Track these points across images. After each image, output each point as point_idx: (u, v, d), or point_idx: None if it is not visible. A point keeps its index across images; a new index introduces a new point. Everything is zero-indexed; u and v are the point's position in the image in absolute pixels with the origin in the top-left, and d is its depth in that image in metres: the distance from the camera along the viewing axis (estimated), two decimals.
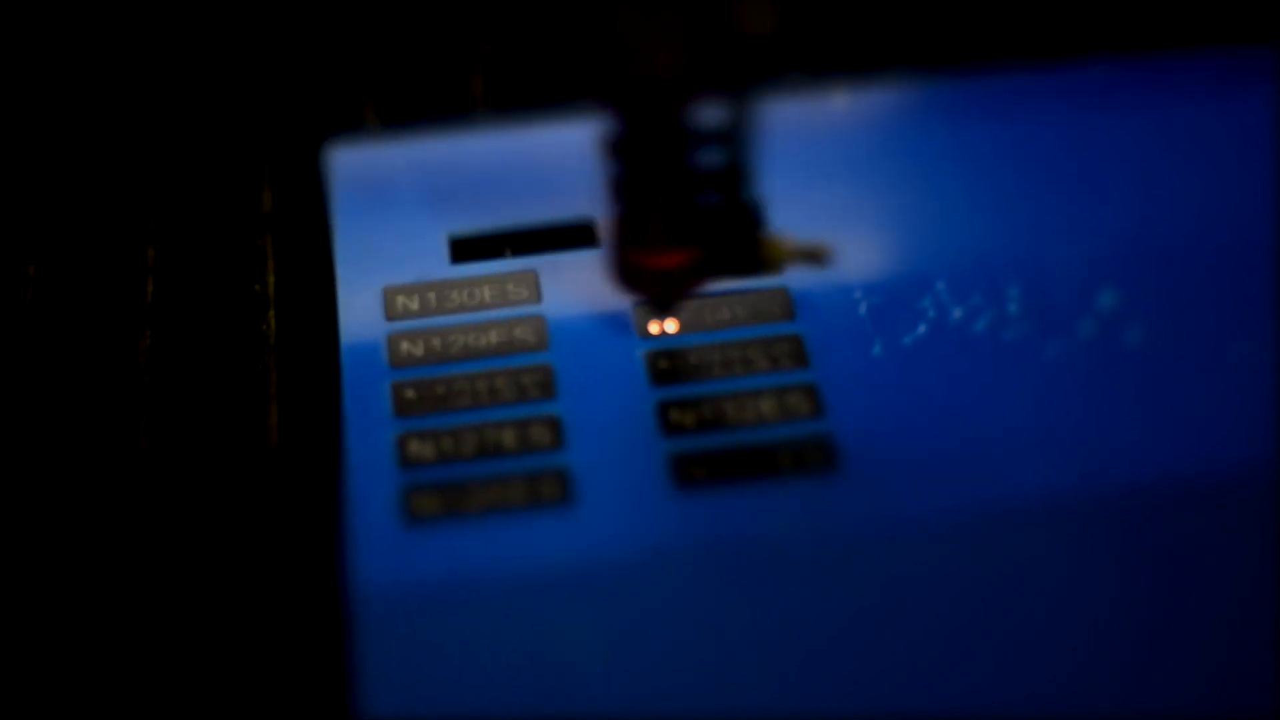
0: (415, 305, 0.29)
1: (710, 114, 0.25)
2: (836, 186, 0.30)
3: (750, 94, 0.25)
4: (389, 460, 0.27)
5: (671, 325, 0.28)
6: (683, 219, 0.26)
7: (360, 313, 0.29)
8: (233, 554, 0.26)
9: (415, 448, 0.27)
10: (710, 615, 0.25)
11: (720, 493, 0.26)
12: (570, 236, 0.30)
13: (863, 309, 0.29)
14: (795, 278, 0.29)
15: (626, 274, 0.27)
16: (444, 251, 0.30)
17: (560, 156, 0.31)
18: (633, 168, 0.25)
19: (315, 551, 0.26)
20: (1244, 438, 0.27)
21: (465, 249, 0.30)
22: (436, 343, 0.28)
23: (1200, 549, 0.25)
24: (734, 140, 0.25)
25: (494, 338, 0.28)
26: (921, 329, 0.28)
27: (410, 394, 0.28)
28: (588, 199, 0.29)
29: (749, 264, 0.27)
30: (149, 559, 0.26)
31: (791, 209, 0.30)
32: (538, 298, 0.29)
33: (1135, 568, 0.25)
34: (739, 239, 0.27)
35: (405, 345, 0.28)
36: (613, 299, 0.29)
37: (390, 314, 0.29)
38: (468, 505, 0.26)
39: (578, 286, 0.29)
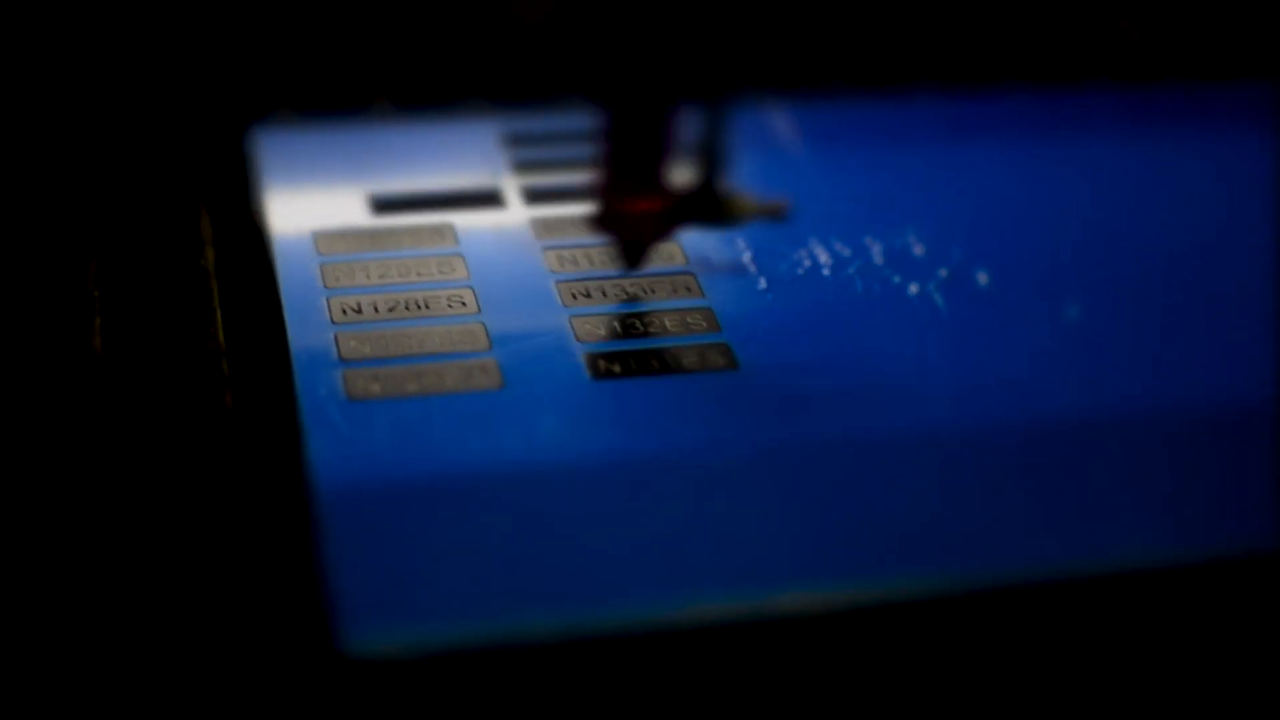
0: (344, 246, 0.32)
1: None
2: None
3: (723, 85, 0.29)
4: (331, 356, 0.29)
5: None
6: (658, 171, 0.29)
7: (294, 254, 0.32)
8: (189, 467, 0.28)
9: (354, 345, 0.29)
10: (628, 493, 0.28)
11: (634, 385, 0.29)
12: (480, 200, 0.33)
13: (746, 257, 0.32)
14: (686, 239, 0.33)
15: (604, 217, 0.30)
16: (366, 209, 0.33)
17: (461, 144, 0.35)
18: (618, 119, 0.29)
19: (272, 456, 0.28)
20: (1074, 380, 0.30)
21: (385, 205, 0.33)
22: (368, 273, 0.31)
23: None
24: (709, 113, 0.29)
25: (419, 270, 0.31)
26: (798, 271, 0.32)
27: (347, 309, 0.30)
28: (489, 177, 0.33)
29: (715, 215, 0.30)
30: (110, 487, 0.27)
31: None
32: (456, 242, 0.32)
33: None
34: (707, 193, 0.30)
35: (338, 274, 0.31)
36: (525, 245, 0.32)
37: (322, 250, 0.32)
38: (407, 389, 0.29)
39: (492, 234, 0.32)
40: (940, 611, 0.26)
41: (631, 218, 0.30)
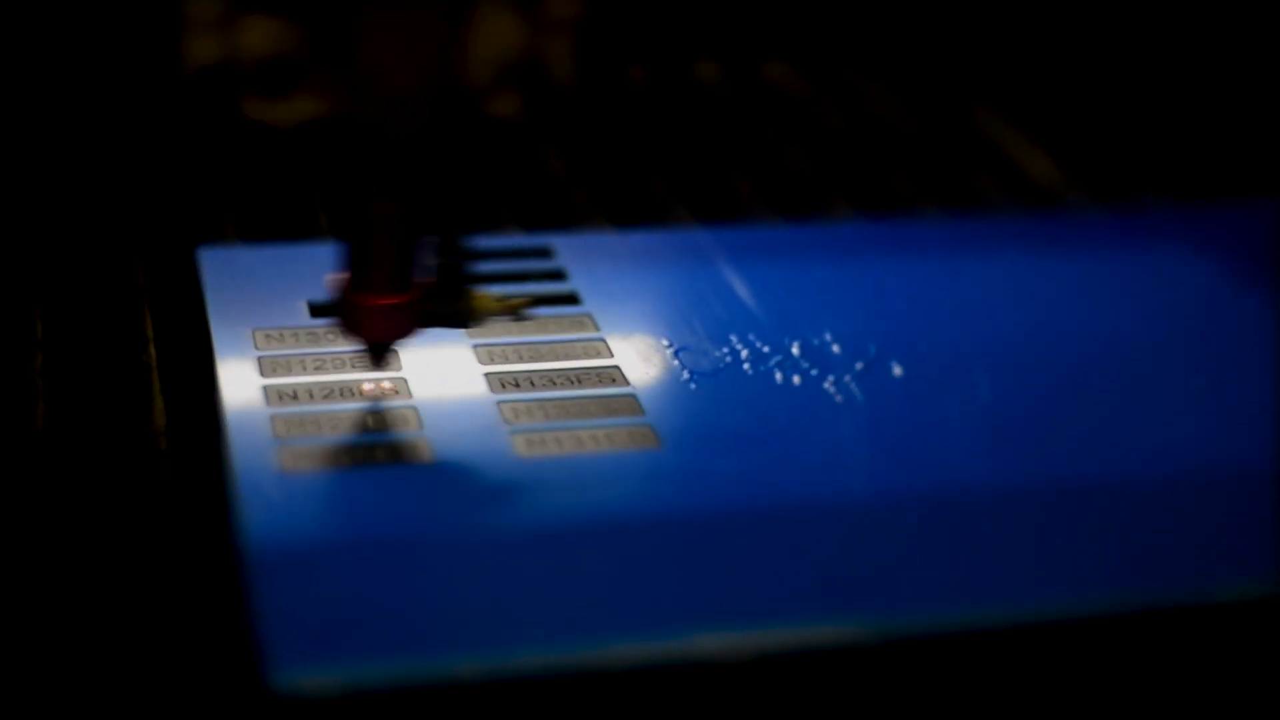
0: (282, 342, 0.33)
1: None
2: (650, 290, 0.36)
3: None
4: (266, 435, 0.30)
5: (387, 385, 0.32)
6: (403, 268, 0.29)
7: (234, 348, 0.33)
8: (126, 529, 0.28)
9: (288, 426, 0.30)
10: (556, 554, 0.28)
11: (561, 462, 0.30)
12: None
13: (671, 353, 0.34)
14: (614, 339, 0.34)
15: (345, 314, 0.30)
16: (304, 314, 0.34)
17: None
18: (362, 212, 0.29)
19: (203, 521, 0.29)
20: (980, 452, 0.32)
21: (323, 310, 0.34)
22: (304, 365, 0.32)
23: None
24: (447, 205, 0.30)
25: (354, 363, 0.33)
26: (721, 365, 0.33)
27: (284, 395, 0.31)
28: None
29: (459, 315, 0.31)
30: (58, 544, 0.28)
31: (620, 304, 0.35)
32: None
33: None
34: (451, 291, 0.31)
35: (275, 366, 0.32)
36: (458, 348, 0.33)
37: (260, 346, 0.33)
38: (337, 463, 0.30)
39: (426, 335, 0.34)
40: (859, 658, 0.27)
41: (372, 312, 0.29)
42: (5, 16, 0.41)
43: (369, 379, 0.32)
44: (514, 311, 0.32)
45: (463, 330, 0.33)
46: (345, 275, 0.30)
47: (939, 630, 0.27)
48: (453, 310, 0.31)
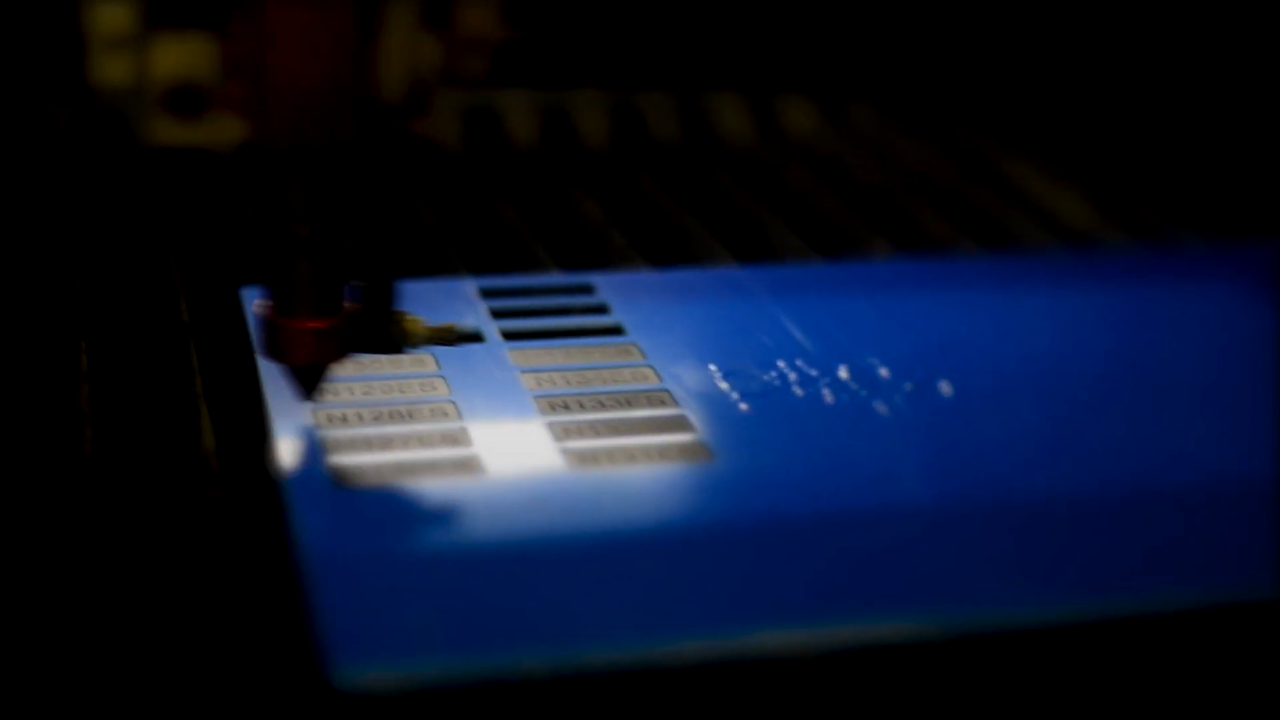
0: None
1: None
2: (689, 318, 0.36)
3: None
4: (317, 453, 0.30)
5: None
6: (330, 291, 0.29)
7: (281, 379, 0.33)
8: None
9: (340, 444, 0.30)
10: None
11: (613, 475, 0.30)
12: (461, 338, 0.35)
13: (719, 376, 0.34)
14: (661, 364, 0.34)
15: (272, 337, 0.29)
16: None
17: (443, 295, 0.37)
18: (280, 233, 0.28)
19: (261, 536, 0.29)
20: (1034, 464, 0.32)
21: None
22: (352, 391, 0.32)
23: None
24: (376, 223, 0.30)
25: (402, 389, 0.32)
26: (770, 387, 0.33)
27: (333, 418, 0.31)
28: (470, 320, 0.35)
29: (387, 340, 0.30)
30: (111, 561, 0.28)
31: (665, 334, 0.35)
32: (437, 367, 0.33)
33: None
34: (379, 316, 0.30)
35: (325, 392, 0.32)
36: (502, 368, 0.33)
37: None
38: (391, 478, 0.29)
39: (472, 361, 0.34)
40: (916, 655, 0.26)
41: (296, 335, 0.29)
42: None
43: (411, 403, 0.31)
44: (444, 339, 0.31)
45: (392, 355, 0.31)
46: (269, 299, 0.29)
47: (983, 628, 0.27)
48: (382, 335, 0.30)
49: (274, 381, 0.32)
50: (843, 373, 0.34)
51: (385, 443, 0.31)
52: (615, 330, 0.35)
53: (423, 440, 0.31)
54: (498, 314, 0.36)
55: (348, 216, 0.29)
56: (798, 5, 0.51)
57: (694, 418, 0.32)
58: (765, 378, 0.34)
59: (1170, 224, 0.44)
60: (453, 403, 0.32)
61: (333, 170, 0.28)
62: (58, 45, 0.44)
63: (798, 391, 0.33)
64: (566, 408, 0.32)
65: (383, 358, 0.33)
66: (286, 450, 0.30)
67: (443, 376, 0.33)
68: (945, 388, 0.34)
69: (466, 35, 0.29)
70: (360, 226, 0.29)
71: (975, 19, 0.52)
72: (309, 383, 0.30)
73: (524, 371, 0.33)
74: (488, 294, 0.37)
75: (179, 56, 0.28)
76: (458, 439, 0.31)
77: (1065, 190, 0.46)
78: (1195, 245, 0.43)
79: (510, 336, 0.35)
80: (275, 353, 0.29)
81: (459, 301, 0.36)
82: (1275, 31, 0.50)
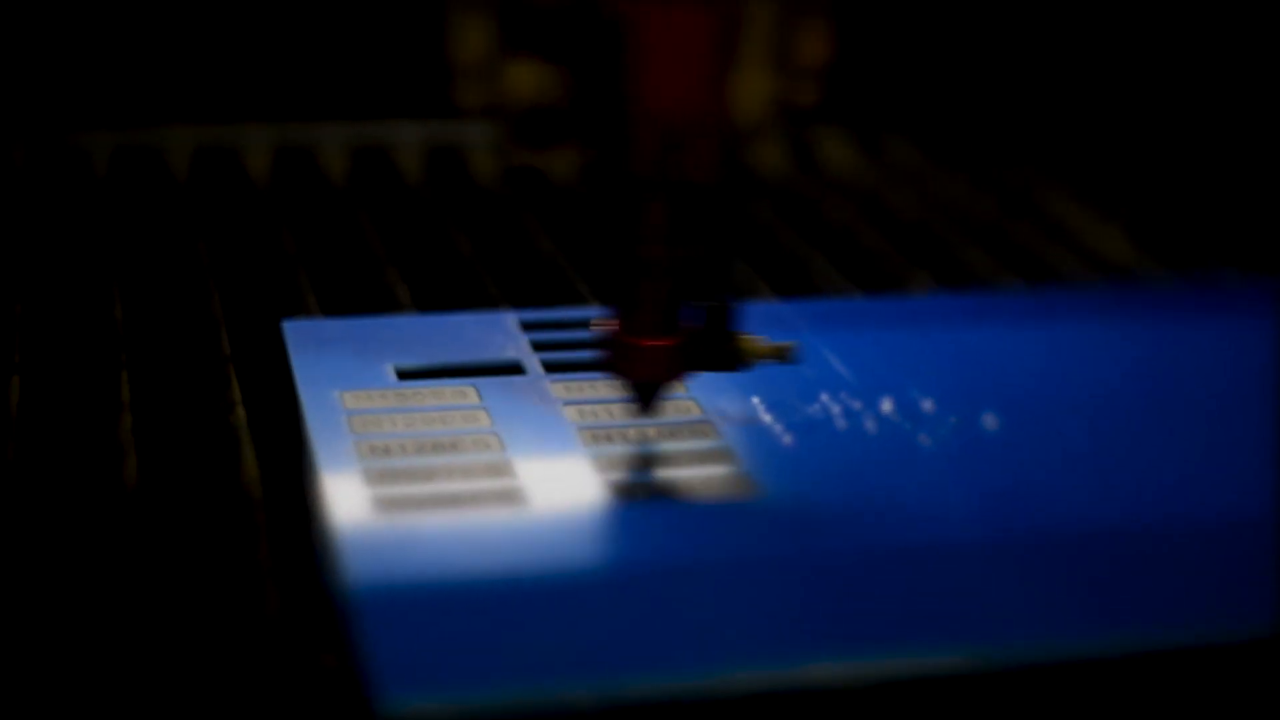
0: (370, 401, 0.33)
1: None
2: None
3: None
4: (360, 485, 0.30)
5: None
6: (670, 311, 0.30)
7: (322, 408, 0.32)
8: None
9: (382, 474, 0.30)
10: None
11: (656, 508, 0.30)
12: (501, 369, 0.35)
13: (762, 409, 0.33)
14: (703, 397, 0.34)
15: (615, 353, 0.30)
16: (390, 377, 0.34)
17: (484, 328, 0.36)
18: (630, 256, 0.29)
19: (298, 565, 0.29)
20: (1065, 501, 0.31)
21: (409, 374, 0.34)
22: (394, 422, 0.32)
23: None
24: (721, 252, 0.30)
25: (444, 420, 0.32)
26: (814, 419, 0.33)
27: (375, 449, 0.31)
28: (511, 352, 0.35)
29: (726, 356, 0.31)
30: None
31: None
32: (479, 399, 0.33)
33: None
34: (719, 336, 0.31)
35: (365, 423, 0.32)
36: (546, 401, 0.33)
37: (349, 405, 0.33)
38: (433, 508, 0.29)
39: (514, 393, 0.33)
40: (962, 686, 0.26)
41: (642, 352, 0.30)
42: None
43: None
44: (780, 356, 0.32)
45: (731, 373, 0.32)
46: (614, 317, 0.30)
47: (1028, 660, 0.27)
48: (721, 353, 0.31)
49: (316, 413, 0.32)
50: (886, 406, 0.34)
51: (429, 474, 0.30)
52: None
53: (466, 472, 0.31)
54: (541, 347, 0.36)
55: (703, 241, 0.29)
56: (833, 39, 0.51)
57: (738, 450, 0.32)
58: (809, 410, 0.34)
59: (1211, 258, 0.44)
60: (495, 433, 0.32)
61: (693, 198, 0.29)
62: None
63: (841, 424, 0.33)
64: (610, 439, 0.32)
65: (424, 388, 0.33)
66: (329, 481, 0.30)
67: (484, 409, 0.33)
68: (990, 421, 0.33)
69: (801, 65, 0.29)
70: (711, 251, 0.30)
71: (1012, 53, 0.52)
72: (648, 397, 0.31)
73: (566, 404, 0.33)
74: (527, 326, 0.37)
75: (530, 80, 0.28)
76: (499, 470, 0.31)
77: (1105, 224, 0.46)
78: (1236, 280, 0.43)
79: (554, 369, 0.35)
80: (619, 369, 0.30)
81: (494, 335, 0.36)
82: None
